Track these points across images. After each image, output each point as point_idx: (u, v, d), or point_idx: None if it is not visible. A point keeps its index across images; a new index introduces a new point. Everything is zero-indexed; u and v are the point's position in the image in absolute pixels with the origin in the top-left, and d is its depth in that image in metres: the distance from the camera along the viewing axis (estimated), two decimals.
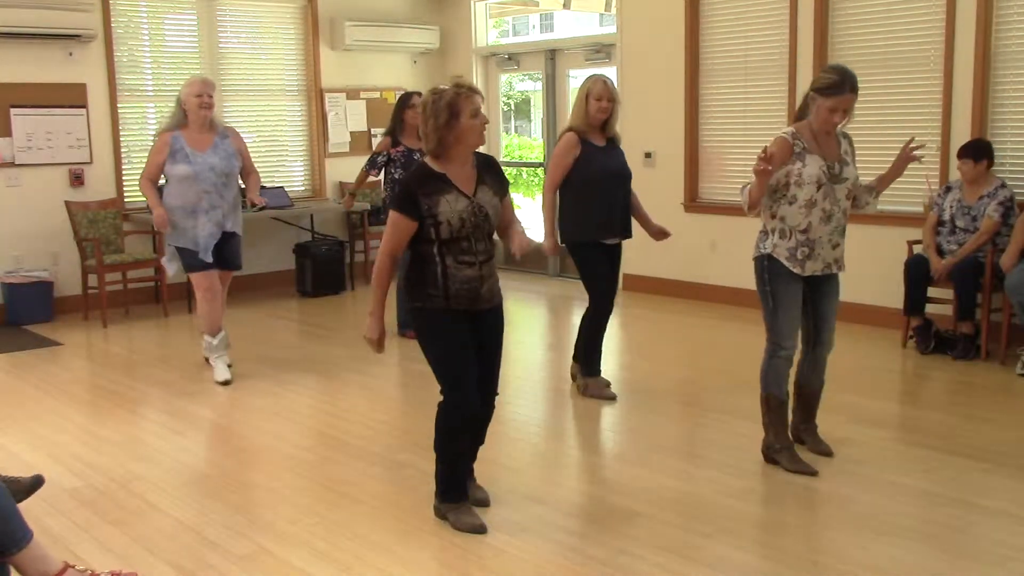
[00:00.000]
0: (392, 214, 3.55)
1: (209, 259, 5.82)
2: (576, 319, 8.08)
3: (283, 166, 9.35)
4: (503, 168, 3.84)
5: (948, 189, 6.21)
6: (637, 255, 8.39)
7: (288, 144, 9.38)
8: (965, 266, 5.95)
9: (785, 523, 3.76)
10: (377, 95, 9.82)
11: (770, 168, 3.90)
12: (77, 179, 8.05)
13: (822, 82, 4.02)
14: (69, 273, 7.95)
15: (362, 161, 9.65)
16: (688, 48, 7.90)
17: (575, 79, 10.13)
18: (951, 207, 6.12)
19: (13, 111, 7.68)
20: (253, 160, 6.17)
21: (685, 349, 6.73)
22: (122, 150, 8.30)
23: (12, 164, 7.74)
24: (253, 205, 5.98)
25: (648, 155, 8.31)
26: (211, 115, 5.83)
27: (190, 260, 5.83)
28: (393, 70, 9.93)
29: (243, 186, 6.08)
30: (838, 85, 3.95)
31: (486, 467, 4.12)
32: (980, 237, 5.93)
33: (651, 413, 5.20)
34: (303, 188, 9.47)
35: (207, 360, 6.10)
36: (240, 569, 3.38)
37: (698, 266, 8.06)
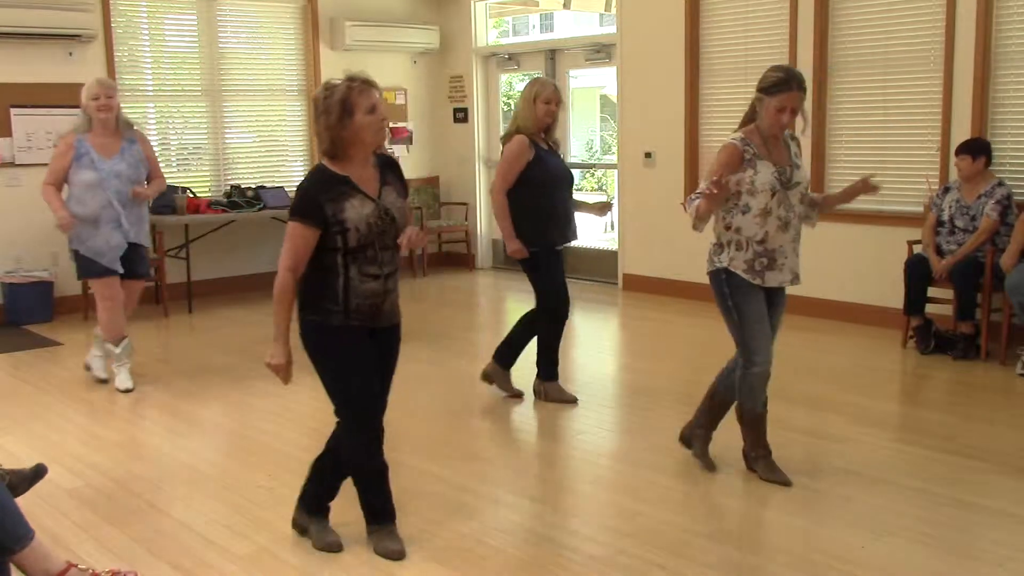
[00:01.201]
0: (292, 224, 3.25)
1: (118, 268, 5.60)
2: (578, 319, 8.11)
3: (283, 166, 9.35)
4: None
5: (947, 190, 6.21)
6: (637, 255, 8.41)
7: (288, 144, 9.37)
8: (965, 266, 5.95)
9: (785, 523, 3.76)
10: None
11: (720, 193, 3.71)
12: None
13: (767, 81, 3.86)
14: (69, 273, 7.88)
15: None
16: (688, 48, 7.90)
17: (575, 79, 10.16)
18: (950, 207, 6.12)
19: (13, 111, 7.68)
20: (156, 166, 5.91)
21: (685, 349, 6.72)
22: None
23: (12, 164, 7.74)
24: (136, 195, 5.61)
25: (648, 155, 8.31)
26: (114, 118, 5.55)
27: (88, 266, 5.59)
28: (393, 70, 9.93)
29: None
30: (784, 82, 3.81)
31: (485, 467, 4.13)
32: (979, 236, 5.93)
33: (651, 413, 5.20)
34: None
35: (87, 367, 5.94)
36: (240, 569, 3.38)
37: (698, 266, 7.99)
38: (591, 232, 12.31)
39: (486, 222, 10.03)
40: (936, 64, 6.51)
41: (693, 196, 3.84)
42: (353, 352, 3.32)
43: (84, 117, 5.56)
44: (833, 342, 6.61)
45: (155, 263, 7.91)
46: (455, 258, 10.27)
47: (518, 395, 5.39)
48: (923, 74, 6.61)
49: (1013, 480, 4.10)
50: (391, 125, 9.94)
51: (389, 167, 3.43)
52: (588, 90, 15.22)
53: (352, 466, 3.45)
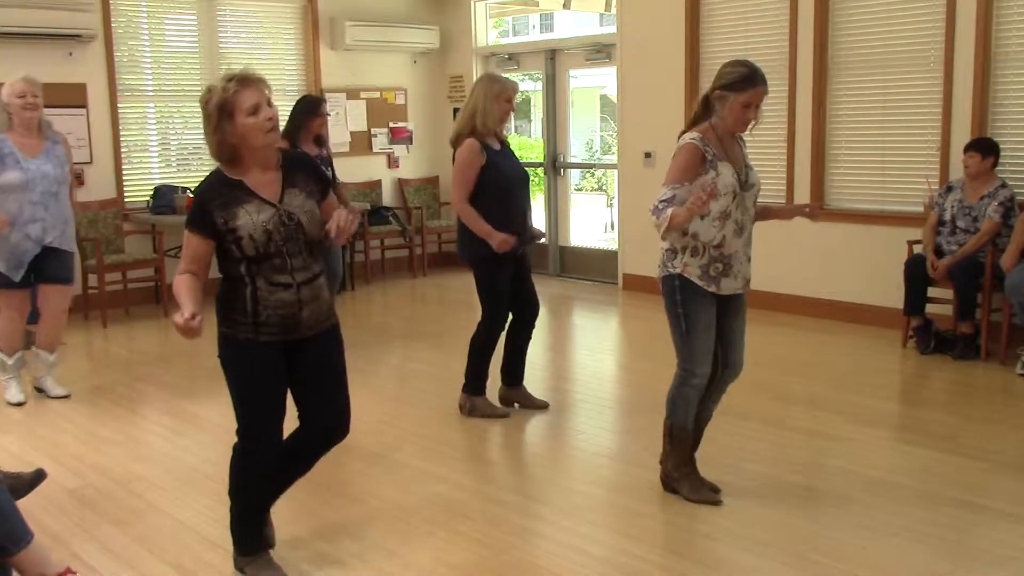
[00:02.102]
0: (185, 232, 3.10)
1: (18, 278, 5.30)
2: (578, 319, 8.12)
3: None
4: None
5: (949, 189, 6.21)
6: (637, 255, 8.40)
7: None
8: (965, 266, 5.95)
9: (785, 523, 3.75)
10: (377, 95, 9.82)
11: (708, 203, 3.47)
12: (77, 179, 8.02)
13: (732, 77, 3.63)
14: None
15: (362, 161, 9.80)
16: (688, 48, 7.90)
17: (575, 79, 10.15)
18: (952, 207, 6.12)
19: None
20: (72, 171, 5.79)
21: None
22: (122, 150, 8.30)
23: None
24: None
25: (648, 155, 8.31)
26: (39, 117, 5.34)
27: None
28: (393, 70, 9.93)
29: None
30: (749, 78, 3.61)
31: (485, 467, 4.13)
32: (981, 238, 5.93)
33: (651, 413, 5.18)
34: None
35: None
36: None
37: None
38: (591, 232, 12.33)
39: None
40: (936, 64, 6.51)
41: (660, 204, 3.57)
42: (255, 369, 3.14)
43: (2, 116, 5.30)
44: (833, 342, 6.60)
45: (155, 263, 7.93)
46: (455, 258, 10.22)
47: (544, 406, 5.23)
48: (923, 74, 6.61)
49: (1013, 480, 4.10)
50: (391, 125, 9.95)
51: (300, 167, 3.24)
52: (588, 90, 15.24)
53: (236, 487, 3.30)
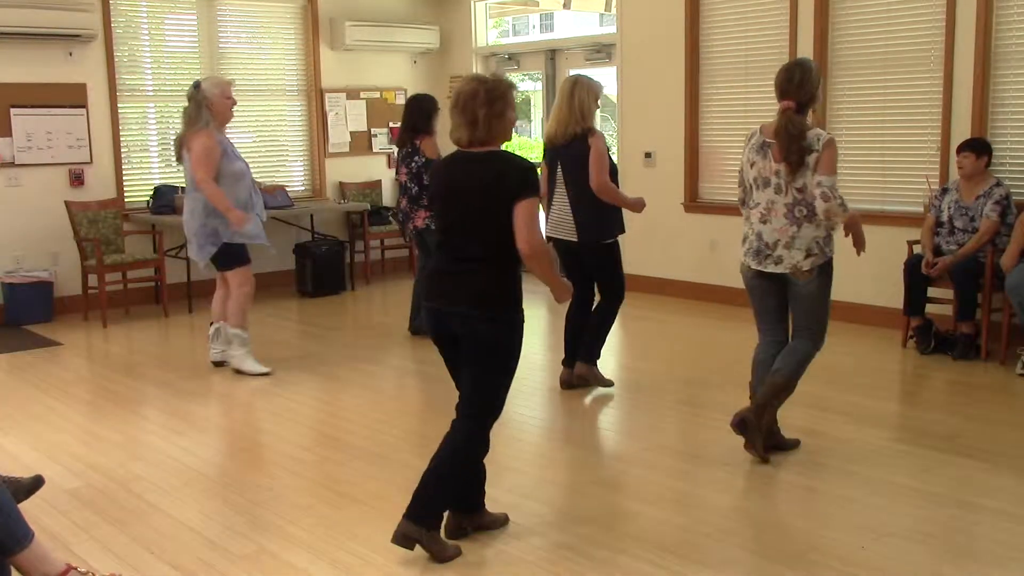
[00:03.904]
0: (530, 201, 3.27)
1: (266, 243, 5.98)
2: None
3: (283, 166, 9.35)
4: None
5: (945, 191, 6.21)
6: (637, 255, 8.39)
7: (288, 144, 9.37)
8: (965, 266, 5.95)
9: (785, 523, 3.76)
10: (377, 95, 9.82)
11: None
12: (77, 179, 8.05)
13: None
14: (69, 273, 7.95)
15: (362, 161, 9.79)
16: (688, 48, 7.90)
17: None
18: (949, 208, 6.12)
19: (13, 111, 7.68)
20: (248, 159, 6.08)
21: (685, 349, 6.72)
22: (122, 150, 8.30)
23: (12, 164, 7.74)
24: None
25: (648, 155, 8.31)
26: None
27: None
28: (393, 70, 9.93)
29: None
30: None
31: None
32: (981, 238, 5.93)
33: (651, 413, 5.20)
34: (303, 188, 9.47)
35: None
36: (240, 569, 3.38)
37: (698, 266, 8.06)
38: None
39: None
40: (936, 64, 6.51)
41: (838, 194, 4.06)
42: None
43: (206, 114, 5.78)
44: (833, 342, 6.54)
45: (155, 263, 7.94)
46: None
47: (610, 384, 5.54)
48: (923, 74, 6.61)
49: (1013, 480, 4.10)
50: (391, 125, 9.95)
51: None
52: None
53: (471, 460, 3.49)
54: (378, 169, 9.92)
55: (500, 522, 3.65)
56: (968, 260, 5.95)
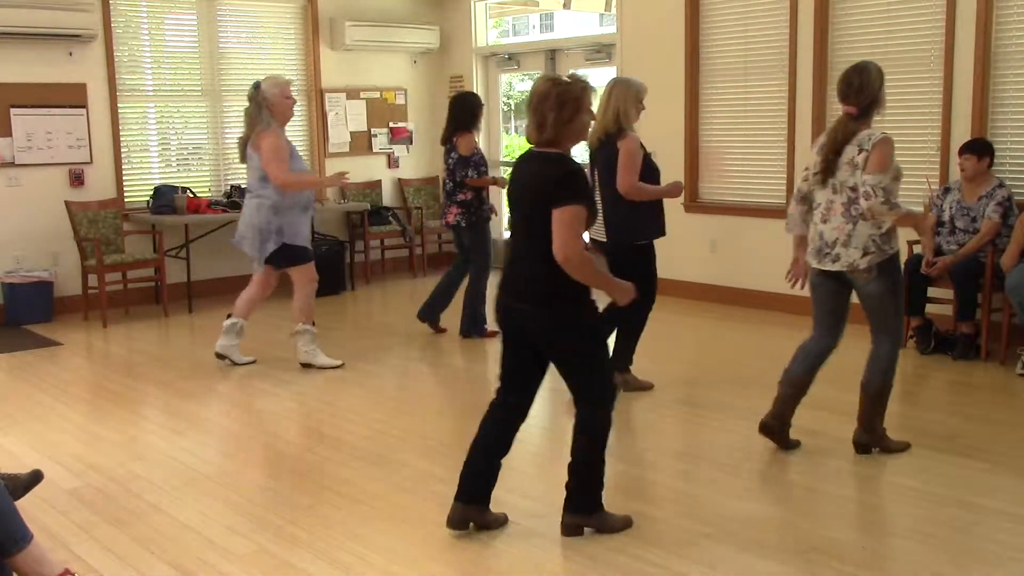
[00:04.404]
0: (572, 209, 3.25)
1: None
2: None
3: None
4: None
5: (947, 190, 6.21)
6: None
7: None
8: (965, 266, 5.95)
9: (785, 523, 3.76)
10: (377, 95, 9.82)
11: None
12: (77, 179, 8.05)
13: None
14: (69, 273, 7.95)
15: (362, 161, 9.79)
16: (688, 48, 7.90)
17: None
18: (950, 208, 6.11)
19: (13, 111, 7.68)
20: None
21: (685, 349, 6.72)
22: (122, 150, 8.29)
23: (12, 164, 7.74)
24: None
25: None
26: None
27: None
28: (393, 70, 9.93)
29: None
30: None
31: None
32: (982, 239, 5.93)
33: (651, 413, 5.20)
34: None
35: None
36: (240, 569, 3.38)
37: (698, 266, 8.06)
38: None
39: None
40: (936, 64, 6.51)
41: (883, 198, 4.00)
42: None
43: (266, 115, 5.78)
44: None
45: (155, 263, 7.93)
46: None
47: (649, 387, 5.51)
48: (923, 74, 6.61)
49: (1013, 480, 4.10)
50: (392, 125, 9.95)
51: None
52: None
53: (603, 445, 3.53)
54: (378, 169, 9.92)
55: (500, 522, 3.66)
56: (968, 260, 5.95)
